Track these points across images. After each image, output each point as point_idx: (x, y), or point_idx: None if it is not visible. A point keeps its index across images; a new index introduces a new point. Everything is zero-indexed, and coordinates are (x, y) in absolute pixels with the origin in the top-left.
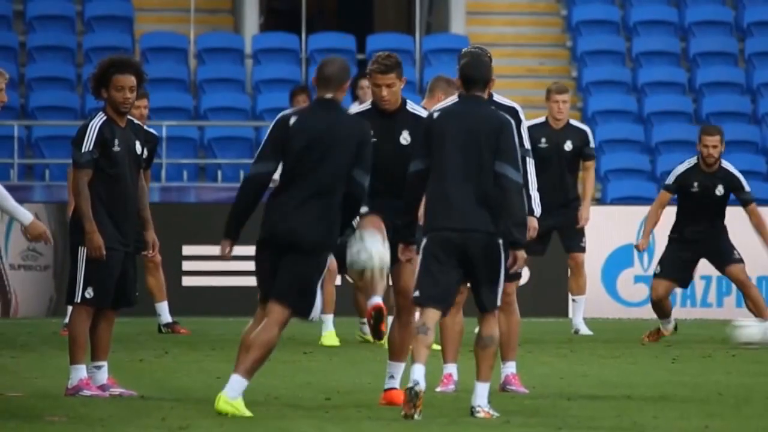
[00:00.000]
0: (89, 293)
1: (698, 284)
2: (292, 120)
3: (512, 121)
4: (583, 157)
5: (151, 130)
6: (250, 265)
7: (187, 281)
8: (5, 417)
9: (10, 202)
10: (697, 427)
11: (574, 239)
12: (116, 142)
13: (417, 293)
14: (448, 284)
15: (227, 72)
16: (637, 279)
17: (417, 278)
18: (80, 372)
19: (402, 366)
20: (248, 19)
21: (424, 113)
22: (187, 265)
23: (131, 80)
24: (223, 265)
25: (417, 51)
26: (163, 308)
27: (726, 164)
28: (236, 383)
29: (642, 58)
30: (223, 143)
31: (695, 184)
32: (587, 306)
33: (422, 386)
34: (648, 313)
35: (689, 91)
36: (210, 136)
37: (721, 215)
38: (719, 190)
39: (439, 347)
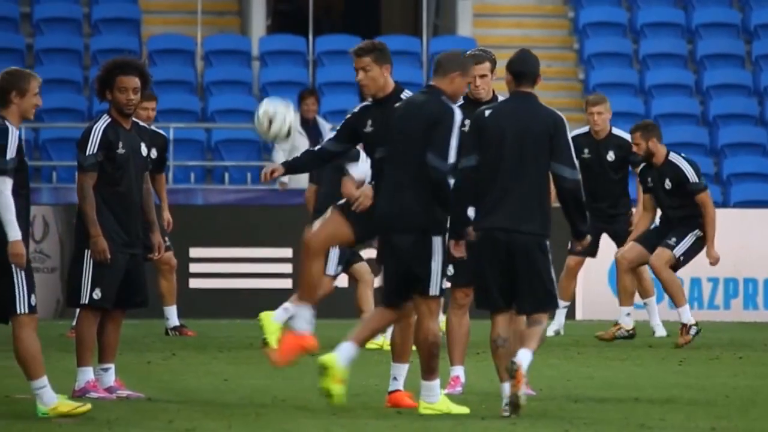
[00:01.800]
0: (97, 294)
1: (705, 286)
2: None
3: (565, 121)
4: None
5: (160, 131)
6: (256, 267)
7: (194, 283)
8: (13, 419)
9: (9, 216)
10: (704, 429)
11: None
12: (120, 144)
13: (475, 299)
14: (504, 283)
15: (234, 74)
16: None
17: (474, 282)
18: (87, 374)
19: (405, 367)
20: (255, 21)
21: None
22: (194, 267)
23: (135, 81)
24: (230, 268)
25: (424, 53)
26: (172, 312)
27: (673, 157)
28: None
29: (649, 60)
30: (230, 145)
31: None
32: (595, 307)
33: (504, 406)
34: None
35: (696, 93)
36: (217, 139)
37: (676, 208)
38: (667, 183)
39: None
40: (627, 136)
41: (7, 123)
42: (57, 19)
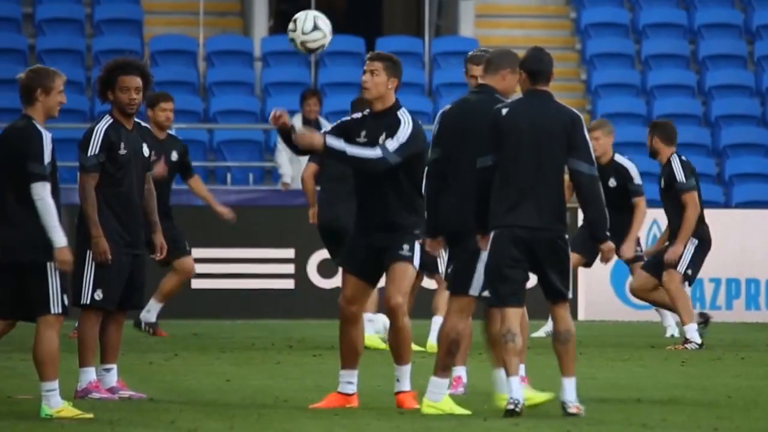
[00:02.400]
0: (98, 295)
1: (707, 287)
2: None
3: (581, 118)
4: (629, 193)
5: (177, 136)
6: (259, 268)
7: (196, 284)
8: (16, 419)
9: (53, 221)
10: (706, 430)
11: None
12: (122, 145)
13: (489, 294)
14: (520, 280)
15: (236, 75)
16: None
17: (486, 278)
18: (89, 375)
19: (405, 368)
20: (257, 21)
21: (405, 120)
22: (196, 268)
23: (137, 81)
24: (233, 268)
25: (426, 53)
26: (156, 308)
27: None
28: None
29: (651, 61)
30: (232, 146)
31: None
32: (597, 308)
33: (522, 403)
34: (658, 315)
35: (698, 93)
36: (219, 139)
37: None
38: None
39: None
40: (628, 165)
41: (38, 126)
42: (59, 20)
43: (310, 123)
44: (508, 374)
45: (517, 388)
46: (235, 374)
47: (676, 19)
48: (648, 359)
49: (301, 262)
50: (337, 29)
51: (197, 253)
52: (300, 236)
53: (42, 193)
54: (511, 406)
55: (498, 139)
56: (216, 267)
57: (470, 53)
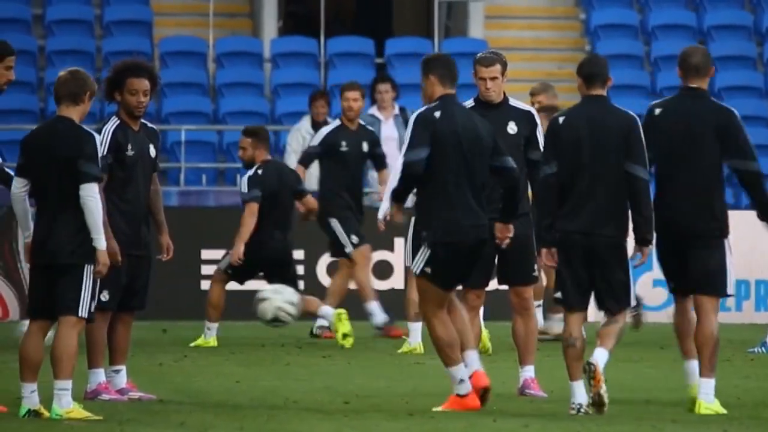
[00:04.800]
0: (104, 296)
1: None
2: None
3: (639, 121)
4: None
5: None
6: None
7: (206, 285)
8: (24, 421)
9: (98, 222)
10: None
11: None
12: (129, 146)
13: (560, 295)
14: (582, 285)
15: (246, 76)
16: (656, 283)
17: (555, 280)
18: (99, 376)
19: (469, 354)
20: (267, 23)
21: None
22: (206, 269)
23: (145, 84)
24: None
25: None
26: (376, 308)
27: None
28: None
29: (660, 62)
30: None
31: None
32: None
33: (586, 407)
34: (666, 317)
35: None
36: (229, 140)
37: None
38: None
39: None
40: None
41: (84, 126)
42: (69, 21)
43: (319, 125)
44: (571, 378)
45: (581, 393)
46: (245, 375)
47: (686, 20)
48: (658, 360)
49: (310, 263)
50: (346, 31)
51: (206, 254)
52: (309, 238)
53: (95, 192)
54: (573, 411)
55: (557, 145)
56: None
57: (479, 55)
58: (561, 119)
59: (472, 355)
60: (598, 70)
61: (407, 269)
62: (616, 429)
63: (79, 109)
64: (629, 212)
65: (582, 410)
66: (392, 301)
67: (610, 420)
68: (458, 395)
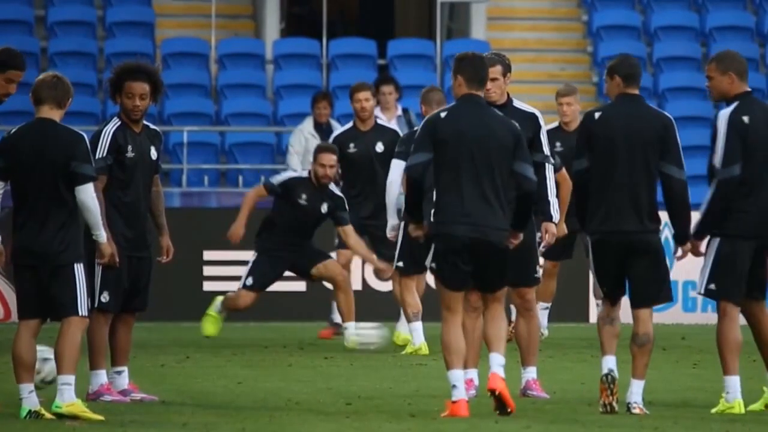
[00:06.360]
0: (105, 298)
1: None
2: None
3: (674, 122)
4: None
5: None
6: None
7: (208, 286)
8: (26, 423)
9: (98, 219)
10: None
11: None
12: (130, 148)
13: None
14: (620, 281)
15: (248, 77)
16: None
17: (593, 277)
18: (101, 377)
19: (494, 356)
20: (269, 24)
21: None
22: (208, 270)
23: (143, 87)
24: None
25: (438, 56)
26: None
27: None
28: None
29: (663, 64)
30: (244, 148)
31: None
32: None
33: (616, 374)
34: (670, 317)
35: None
36: (231, 142)
37: None
38: None
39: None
40: None
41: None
42: (71, 22)
43: (321, 126)
44: (604, 352)
45: (612, 362)
46: (247, 377)
47: (688, 22)
48: (660, 362)
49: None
50: (348, 32)
51: (209, 255)
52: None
53: (92, 192)
54: (605, 372)
55: (589, 142)
56: (228, 269)
57: (486, 55)
58: (597, 114)
59: (496, 358)
60: (635, 70)
61: (397, 269)
62: (617, 429)
63: (61, 113)
64: (664, 210)
65: (611, 375)
66: (392, 302)
67: (612, 422)
68: (451, 401)
